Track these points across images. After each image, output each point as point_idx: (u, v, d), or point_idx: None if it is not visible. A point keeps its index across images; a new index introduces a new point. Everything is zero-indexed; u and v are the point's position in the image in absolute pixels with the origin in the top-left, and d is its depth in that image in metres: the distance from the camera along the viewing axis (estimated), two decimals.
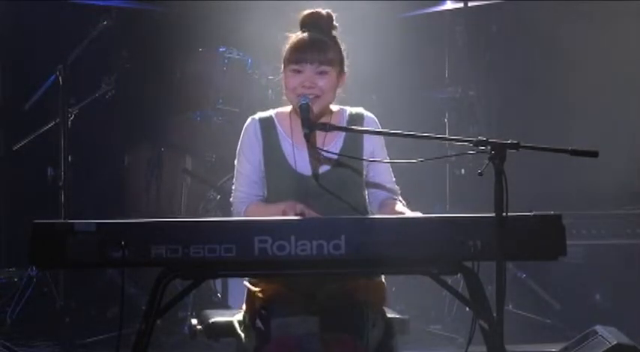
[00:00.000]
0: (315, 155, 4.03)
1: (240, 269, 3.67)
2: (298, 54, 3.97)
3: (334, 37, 4.05)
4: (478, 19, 7.32)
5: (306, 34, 4.01)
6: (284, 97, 4.09)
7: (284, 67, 4.03)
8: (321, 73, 3.97)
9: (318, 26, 4.02)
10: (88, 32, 6.75)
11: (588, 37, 6.96)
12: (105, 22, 6.75)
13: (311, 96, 3.95)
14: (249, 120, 4.12)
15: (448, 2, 7.10)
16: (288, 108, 4.10)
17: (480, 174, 3.48)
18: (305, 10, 4.08)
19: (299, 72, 3.97)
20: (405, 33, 7.27)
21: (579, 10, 7.04)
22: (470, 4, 7.04)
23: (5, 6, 7.12)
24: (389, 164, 4.13)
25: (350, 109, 4.13)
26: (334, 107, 4.11)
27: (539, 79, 7.37)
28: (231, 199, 4.14)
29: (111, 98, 6.84)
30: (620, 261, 6.67)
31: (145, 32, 7.31)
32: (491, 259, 3.48)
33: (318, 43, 3.98)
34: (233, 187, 4.12)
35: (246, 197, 4.06)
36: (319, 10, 4.05)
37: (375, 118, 4.13)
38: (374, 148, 4.08)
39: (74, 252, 3.45)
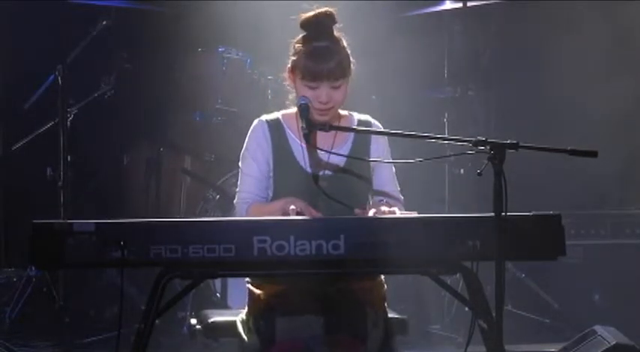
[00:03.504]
0: (315, 156, 4.03)
1: (239, 269, 3.67)
2: (314, 71, 3.91)
3: (338, 38, 4.00)
4: (477, 19, 7.31)
5: (317, 46, 3.94)
6: (287, 102, 4.09)
7: (295, 76, 3.98)
8: (335, 87, 3.95)
9: (321, 29, 3.96)
10: (88, 32, 6.76)
11: (587, 36, 6.96)
12: (105, 22, 6.76)
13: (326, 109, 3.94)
14: (256, 121, 4.09)
15: (447, 2, 7.11)
16: (294, 110, 4.09)
17: (480, 174, 3.48)
18: (305, 10, 4.03)
19: (314, 88, 3.93)
20: (404, 33, 7.27)
21: (578, 10, 7.04)
22: (469, 4, 7.04)
23: (5, 6, 7.11)
24: (394, 174, 4.13)
25: (358, 115, 4.13)
26: (342, 111, 4.10)
27: (538, 79, 7.36)
28: (235, 201, 4.09)
29: (110, 98, 6.84)
30: (619, 261, 6.67)
31: (145, 32, 7.30)
32: (490, 259, 3.48)
33: (333, 57, 3.92)
34: (237, 189, 4.08)
35: (251, 197, 4.03)
36: (320, 11, 3.98)
37: (381, 127, 4.12)
38: (380, 156, 4.07)
39: (73, 252, 3.45)
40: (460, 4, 7.04)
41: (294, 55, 4.00)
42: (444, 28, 7.29)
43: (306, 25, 3.99)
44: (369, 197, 4.09)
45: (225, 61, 6.87)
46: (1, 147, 7.15)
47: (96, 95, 6.80)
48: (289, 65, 4.01)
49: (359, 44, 7.03)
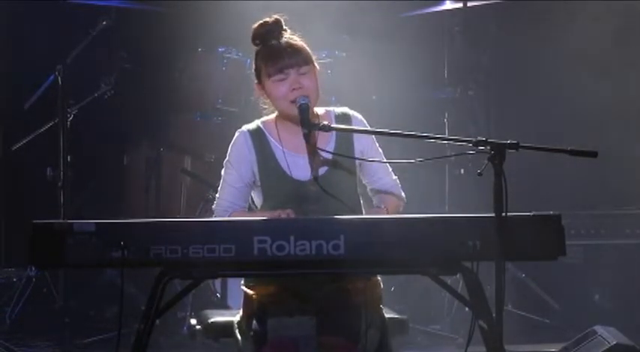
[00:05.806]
0: (315, 156, 4.03)
1: (239, 269, 3.67)
2: (278, 63, 3.99)
3: (290, 36, 4.06)
4: (477, 19, 7.32)
5: (274, 43, 4.02)
6: (264, 110, 4.12)
7: (264, 80, 4.04)
8: (303, 73, 4.00)
9: (270, 34, 4.04)
10: (88, 32, 6.76)
11: (587, 36, 6.96)
12: (104, 22, 6.75)
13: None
14: (237, 133, 4.12)
15: (447, 2, 7.11)
16: (273, 117, 4.12)
17: (480, 174, 3.49)
18: (274, 16, 4.09)
19: (283, 80, 3.99)
20: (404, 33, 7.27)
21: (578, 10, 7.04)
22: (469, 4, 7.04)
23: (5, 6, 7.12)
24: (386, 164, 4.13)
25: (335, 110, 4.15)
26: (319, 109, 4.11)
27: (538, 78, 7.37)
28: (213, 206, 4.13)
29: (110, 98, 6.84)
30: (619, 261, 6.68)
31: (145, 32, 7.31)
32: (490, 259, 3.48)
33: (291, 47, 4.01)
34: (217, 195, 4.12)
35: (230, 206, 4.07)
36: (267, 19, 4.07)
37: (361, 117, 4.14)
38: (364, 147, 4.09)
39: (73, 252, 3.46)
40: (460, 4, 7.04)
41: (256, 65, 4.07)
42: (444, 28, 7.30)
43: (256, 36, 4.06)
44: (357, 191, 4.09)
45: (225, 61, 6.88)
46: (1, 147, 7.16)
47: (96, 95, 6.80)
48: (255, 80, 4.08)
49: (359, 44, 7.05)
